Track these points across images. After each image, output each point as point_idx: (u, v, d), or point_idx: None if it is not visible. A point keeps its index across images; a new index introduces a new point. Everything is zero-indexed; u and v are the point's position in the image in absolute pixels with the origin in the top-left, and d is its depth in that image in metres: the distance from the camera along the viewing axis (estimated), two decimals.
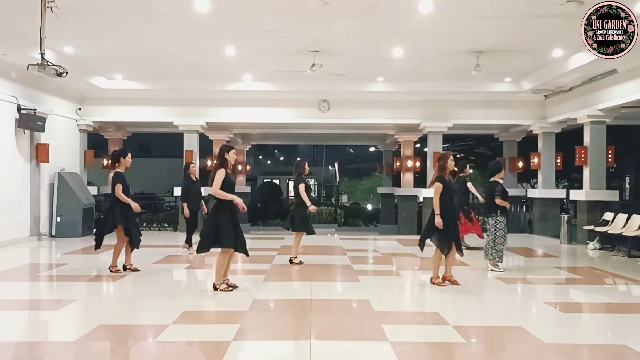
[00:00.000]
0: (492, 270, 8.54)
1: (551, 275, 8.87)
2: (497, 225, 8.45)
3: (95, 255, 9.89)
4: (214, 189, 6.68)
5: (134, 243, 8.18)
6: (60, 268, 9.44)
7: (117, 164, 8.15)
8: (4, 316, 5.93)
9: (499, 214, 8.48)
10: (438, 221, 7.18)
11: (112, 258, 8.22)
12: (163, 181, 26.45)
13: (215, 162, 7.03)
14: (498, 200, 8.38)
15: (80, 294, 7.09)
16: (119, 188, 7.97)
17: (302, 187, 9.01)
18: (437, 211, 7.22)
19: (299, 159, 9.72)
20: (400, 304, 7.01)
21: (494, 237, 8.48)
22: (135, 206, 8.04)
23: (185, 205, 10.23)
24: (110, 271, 8.17)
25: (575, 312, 6.63)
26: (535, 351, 4.83)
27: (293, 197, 10.27)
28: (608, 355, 4.76)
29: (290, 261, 9.20)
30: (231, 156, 6.82)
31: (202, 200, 11.27)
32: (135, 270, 8.28)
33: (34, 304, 6.86)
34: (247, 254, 7.01)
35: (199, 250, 6.83)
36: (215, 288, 6.92)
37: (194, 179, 10.52)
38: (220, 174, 6.71)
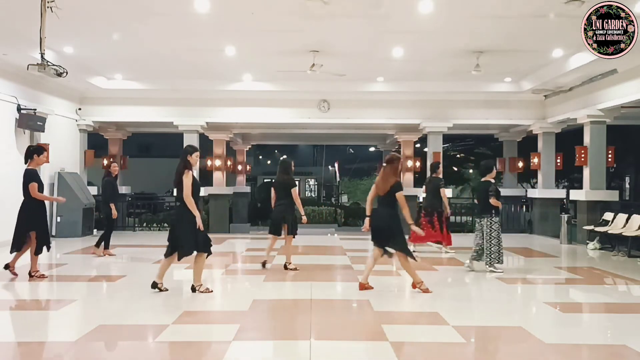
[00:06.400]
0: (491, 271, 8.44)
1: (551, 275, 8.87)
2: (492, 226, 8.35)
3: (95, 255, 9.91)
4: (185, 194, 6.44)
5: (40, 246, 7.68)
6: (60, 268, 9.43)
7: (30, 160, 7.75)
8: (4, 316, 5.93)
9: (493, 215, 8.39)
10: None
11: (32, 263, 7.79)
12: (163, 181, 26.39)
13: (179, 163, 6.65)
14: (492, 200, 8.28)
15: (80, 294, 7.10)
16: (33, 187, 7.62)
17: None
18: (409, 221, 7.29)
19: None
20: (400, 304, 7.01)
21: (489, 237, 8.37)
22: (59, 199, 8.43)
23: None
24: (32, 276, 7.67)
25: (575, 312, 6.63)
26: (535, 351, 4.83)
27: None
28: (608, 355, 4.75)
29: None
30: (194, 158, 6.59)
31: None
32: (42, 276, 7.75)
33: (34, 304, 6.86)
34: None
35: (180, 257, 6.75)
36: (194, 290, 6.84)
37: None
38: (188, 177, 6.49)
